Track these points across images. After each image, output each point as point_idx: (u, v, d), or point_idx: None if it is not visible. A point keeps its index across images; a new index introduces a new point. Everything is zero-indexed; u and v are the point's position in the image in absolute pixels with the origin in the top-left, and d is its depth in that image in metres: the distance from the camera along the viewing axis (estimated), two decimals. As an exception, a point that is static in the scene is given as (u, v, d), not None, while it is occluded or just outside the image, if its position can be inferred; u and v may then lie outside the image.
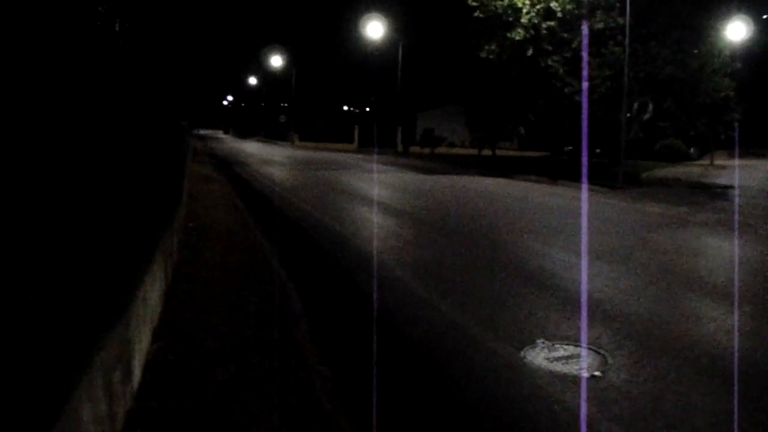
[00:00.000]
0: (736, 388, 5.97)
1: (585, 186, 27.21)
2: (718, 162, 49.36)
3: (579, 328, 7.81)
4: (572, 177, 31.32)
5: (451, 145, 71.55)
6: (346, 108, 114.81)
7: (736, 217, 18.95)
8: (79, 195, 5.71)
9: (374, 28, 60.69)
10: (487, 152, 52.79)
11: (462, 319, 8.10)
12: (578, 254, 12.36)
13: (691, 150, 54.36)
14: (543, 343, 7.22)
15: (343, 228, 15.05)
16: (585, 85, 30.99)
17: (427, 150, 61.64)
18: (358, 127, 77.12)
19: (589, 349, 7.08)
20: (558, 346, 7.15)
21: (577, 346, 7.17)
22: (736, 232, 15.99)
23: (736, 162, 47.38)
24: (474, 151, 58.98)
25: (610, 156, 37.49)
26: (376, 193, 22.92)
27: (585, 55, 31.74)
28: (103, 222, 6.20)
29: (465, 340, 7.38)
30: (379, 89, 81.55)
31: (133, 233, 6.88)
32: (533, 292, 9.51)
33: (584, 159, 32.52)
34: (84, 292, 4.70)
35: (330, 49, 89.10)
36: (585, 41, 31.92)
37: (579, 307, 8.70)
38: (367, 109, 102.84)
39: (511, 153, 57.98)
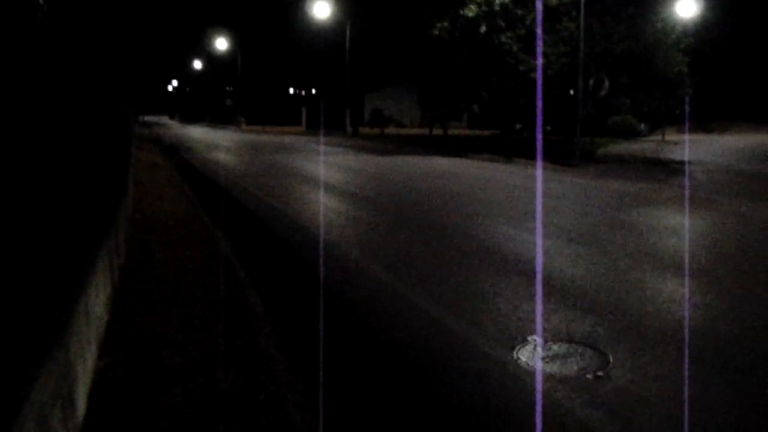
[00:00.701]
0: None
1: (540, 164, 26.69)
2: (669, 138, 49.53)
3: (567, 321, 7.20)
4: (527, 155, 30.98)
5: (401, 125, 70.94)
6: (292, 91, 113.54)
7: (700, 193, 18.60)
8: (10, 191, 4.96)
9: (321, 8, 59.69)
10: (438, 132, 52.27)
11: (441, 314, 7.43)
12: (549, 237, 11.76)
13: (642, 126, 54.59)
14: (535, 340, 6.58)
15: (297, 215, 14.30)
16: (539, 61, 30.56)
17: (376, 130, 60.94)
18: (305, 110, 76.18)
19: (586, 345, 6.45)
20: (551, 344, 6.51)
21: (572, 343, 6.54)
22: (704, 209, 15.60)
23: (687, 137, 47.54)
24: (424, 131, 58.47)
25: (563, 133, 37.26)
26: (329, 176, 22.18)
27: (539, 31, 31.33)
28: (38, 221, 5.45)
29: (449, 339, 6.71)
30: (326, 70, 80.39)
31: (72, 232, 6.11)
32: (508, 281, 8.87)
33: (539, 136, 32.13)
34: (15, 308, 3.96)
35: (276, 31, 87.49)
36: (539, 17, 31.43)
37: (563, 298, 8.09)
38: (314, 91, 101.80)
39: (462, 132, 57.54)
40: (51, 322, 4.18)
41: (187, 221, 12.69)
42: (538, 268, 9.52)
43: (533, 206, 15.84)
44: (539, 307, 7.68)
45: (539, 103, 31.26)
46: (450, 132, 51.67)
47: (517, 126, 46.76)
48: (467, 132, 58.99)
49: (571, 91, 33.56)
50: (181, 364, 5.61)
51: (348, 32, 57.73)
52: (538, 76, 31.25)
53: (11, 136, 5.17)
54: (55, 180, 6.43)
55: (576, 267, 9.63)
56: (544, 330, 6.94)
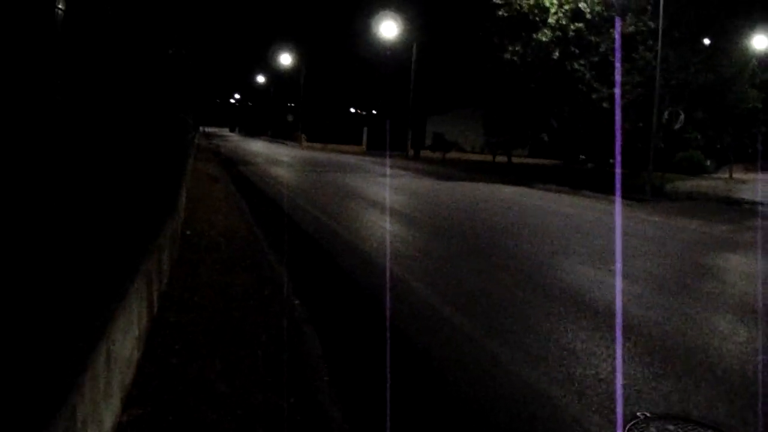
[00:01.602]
0: None
1: (618, 199, 25.34)
2: (736, 176, 47.57)
3: (677, 391, 6.04)
4: (594, 188, 29.68)
5: (462, 150, 69.75)
6: (353, 110, 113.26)
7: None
8: (52, 203, 4.16)
9: (388, 28, 59.00)
10: (501, 159, 51.03)
11: (530, 374, 6.31)
12: (635, 282, 10.56)
13: (708, 163, 52.72)
14: (647, 416, 5.43)
15: (359, 240, 13.23)
16: (618, 91, 29.26)
17: (438, 154, 59.85)
18: (366, 129, 75.42)
19: (708, 427, 5.30)
20: (666, 424, 5.36)
21: (690, 422, 5.39)
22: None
23: (759, 176, 45.60)
24: (486, 157, 57.32)
25: (628, 166, 35.81)
26: (392, 200, 21.16)
27: (618, 55, 30.00)
28: (71, 240, 4.51)
29: (549, 410, 5.59)
30: (389, 91, 79.70)
31: (108, 254, 5.16)
32: (601, 336, 7.69)
33: (618, 170, 30.70)
34: (16, 357, 3.02)
35: (340, 49, 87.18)
36: (618, 43, 30.15)
37: (666, 360, 6.91)
38: (374, 111, 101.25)
39: (524, 161, 56.15)
40: (58, 378, 3.21)
41: (241, 241, 11.75)
42: (634, 322, 8.34)
43: (611, 244, 14.62)
44: (643, 372, 6.52)
45: (618, 134, 29.93)
46: (512, 160, 50.42)
47: (581, 157, 45.40)
48: (529, 160, 57.58)
49: (640, 124, 32.23)
50: (220, 423, 4.60)
51: (414, 53, 56.85)
52: (617, 105, 30.00)
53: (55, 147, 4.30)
54: (98, 193, 5.55)
55: (674, 322, 8.41)
56: (653, 403, 5.79)
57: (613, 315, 8.54)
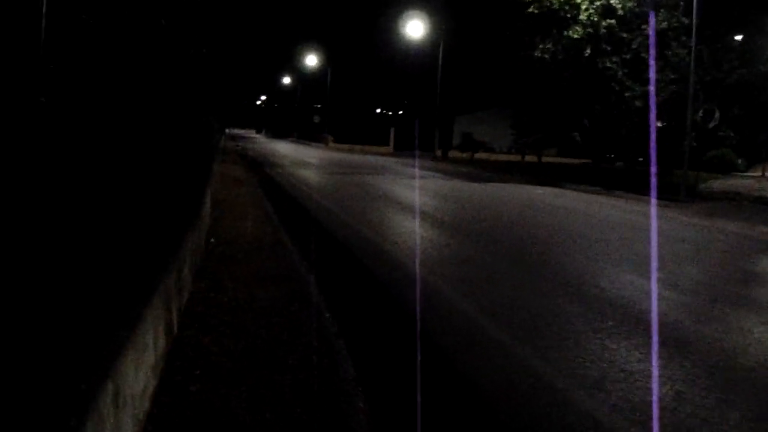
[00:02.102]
0: None
1: (654, 200, 24.60)
2: (769, 174, 46.47)
3: (755, 422, 5.45)
4: (627, 188, 28.96)
5: (490, 150, 68.97)
6: (379, 110, 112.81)
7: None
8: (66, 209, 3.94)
9: (414, 27, 58.41)
10: (531, 159, 50.30)
11: (582, 399, 5.74)
12: (686, 293, 9.92)
13: (739, 161, 51.61)
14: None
15: (390, 246, 12.69)
16: (653, 89, 28.52)
17: (466, 154, 59.16)
18: (393, 130, 74.87)
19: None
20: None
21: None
22: None
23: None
24: (515, 157, 56.59)
25: (659, 165, 35.04)
26: (422, 202, 20.61)
27: (652, 51, 29.25)
28: (91, 250, 4.08)
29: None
30: (416, 91, 79.13)
31: (125, 268, 4.71)
32: (660, 356, 7.09)
33: (653, 169, 29.96)
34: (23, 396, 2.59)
35: (367, 49, 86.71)
36: (652, 38, 29.42)
37: (735, 386, 6.32)
38: (400, 112, 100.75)
39: (553, 160, 55.26)
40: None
41: (267, 249, 11.26)
42: (690, 338, 7.72)
43: (652, 249, 13.98)
44: (706, 398, 5.93)
45: (652, 133, 29.22)
46: (541, 159, 49.65)
47: (608, 156, 44.61)
48: (558, 160, 56.64)
49: (673, 122, 31.47)
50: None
51: (441, 52, 56.18)
52: (651, 103, 29.26)
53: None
54: (118, 201, 5.09)
55: (732, 338, 7.80)
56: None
57: (666, 330, 7.91)
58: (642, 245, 14.33)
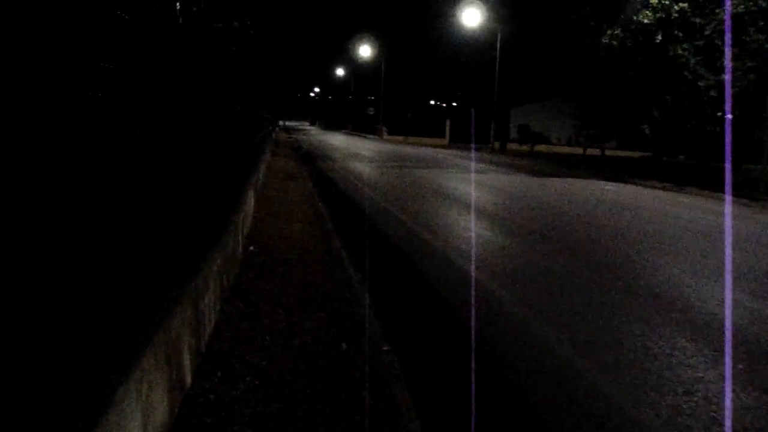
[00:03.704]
0: None
1: (729, 198, 22.60)
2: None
3: None
4: (699, 184, 27.09)
5: (548, 142, 66.95)
6: (433, 102, 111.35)
7: None
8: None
9: (471, 16, 56.53)
10: (593, 152, 48.25)
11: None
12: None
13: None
14: None
15: (452, 252, 11.08)
16: (728, 77, 26.41)
17: (525, 147, 57.28)
18: (449, 122, 73.22)
19: None
20: None
21: None
22: None
23: None
24: (575, 150, 54.64)
25: (724, 159, 32.98)
26: (483, 200, 18.97)
27: (728, 37, 27.16)
28: (87, 275, 2.78)
29: None
30: (472, 82, 77.38)
31: (118, 308, 3.35)
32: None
33: (728, 165, 27.89)
34: None
35: (421, 40, 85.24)
36: (728, 23, 27.30)
37: None
38: (454, 104, 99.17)
39: (614, 153, 53.04)
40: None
41: (316, 257, 9.74)
42: None
43: (749, 259, 12.19)
44: None
45: (728, 126, 27.17)
46: (595, 153, 47.58)
47: (669, 149, 42.52)
48: (618, 153, 54.42)
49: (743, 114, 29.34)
50: None
51: (498, 42, 54.23)
52: (727, 93, 27.22)
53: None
54: (136, 204, 3.77)
55: None
56: None
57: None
58: (739, 254, 12.54)
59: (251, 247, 9.89)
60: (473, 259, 10.69)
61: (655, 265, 10.98)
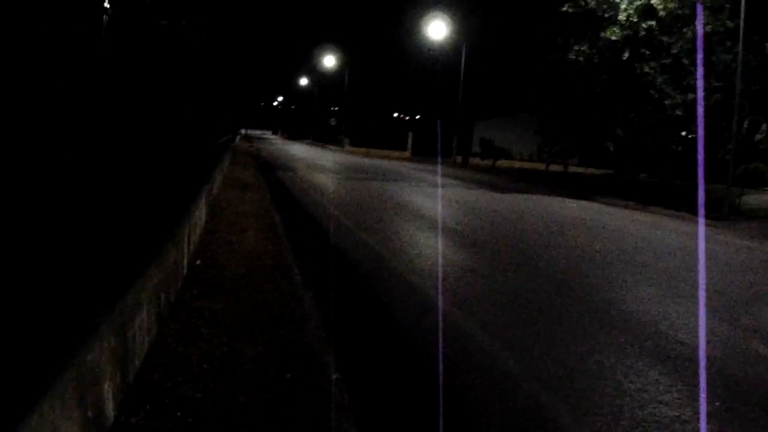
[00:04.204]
0: None
1: (702, 220, 22.35)
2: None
3: None
4: (665, 203, 27.05)
5: (509, 157, 66.83)
6: (396, 114, 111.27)
7: None
8: None
9: (436, 29, 56.31)
10: (555, 168, 48.11)
11: None
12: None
13: (769, 175, 49.35)
14: None
15: (420, 279, 10.52)
16: (700, 95, 26.30)
17: (487, 162, 57.06)
18: (411, 134, 72.95)
19: None
20: None
21: None
22: None
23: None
24: (537, 165, 54.59)
25: (690, 179, 33.02)
26: (447, 217, 18.51)
27: (700, 56, 27.07)
28: None
29: None
30: (435, 95, 77.13)
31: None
32: None
33: (701, 185, 27.70)
34: None
35: (386, 51, 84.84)
36: (700, 41, 27.23)
37: None
38: (417, 116, 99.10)
39: (576, 170, 52.94)
40: None
41: (267, 276, 9.17)
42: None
43: (721, 282, 11.82)
44: None
45: (700, 145, 26.98)
46: (557, 169, 47.44)
47: (629, 167, 42.53)
48: (580, 170, 54.29)
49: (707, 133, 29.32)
50: None
51: (463, 56, 53.98)
52: (699, 112, 27.11)
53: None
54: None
55: None
56: None
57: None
58: (713, 276, 12.21)
59: (198, 261, 9.31)
60: (437, 283, 10.18)
61: (626, 288, 10.59)
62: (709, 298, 10.26)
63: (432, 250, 12.85)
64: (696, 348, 7.49)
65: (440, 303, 8.69)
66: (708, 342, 7.84)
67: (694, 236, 18.64)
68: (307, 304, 7.93)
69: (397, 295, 9.29)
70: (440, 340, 6.97)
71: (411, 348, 7.06)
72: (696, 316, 9.03)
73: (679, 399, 5.96)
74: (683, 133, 31.89)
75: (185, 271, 8.41)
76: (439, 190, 27.57)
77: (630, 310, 9.10)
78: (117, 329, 4.44)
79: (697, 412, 5.69)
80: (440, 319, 7.86)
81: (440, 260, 11.76)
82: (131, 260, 5.54)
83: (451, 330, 7.57)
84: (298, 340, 6.44)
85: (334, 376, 5.82)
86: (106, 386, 4.16)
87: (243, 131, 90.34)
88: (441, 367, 6.16)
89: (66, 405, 3.38)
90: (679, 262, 13.71)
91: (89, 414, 3.80)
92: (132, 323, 4.93)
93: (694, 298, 10.14)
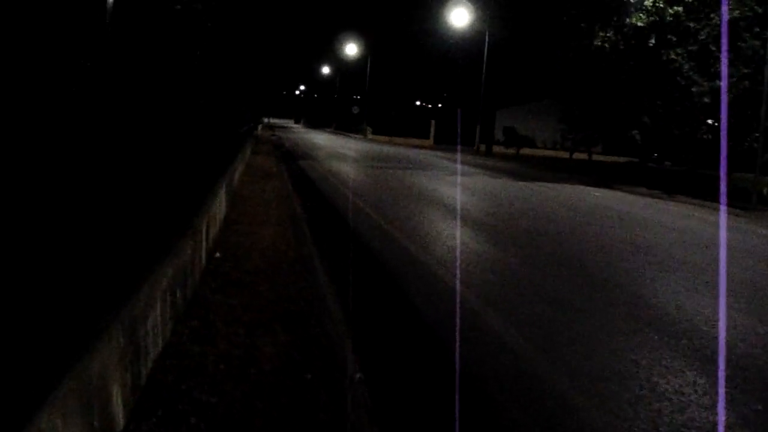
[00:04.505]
0: None
1: (724, 208, 21.89)
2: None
3: None
4: (690, 192, 26.63)
5: (533, 145, 66.20)
6: (418, 103, 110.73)
7: None
8: None
9: (459, 16, 55.73)
10: (579, 156, 47.53)
11: None
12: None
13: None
14: None
15: (444, 271, 10.22)
16: (724, 83, 25.73)
17: (511, 150, 56.52)
18: (434, 123, 72.49)
19: None
20: None
21: None
22: None
23: None
24: (561, 153, 54.03)
25: (715, 167, 32.43)
26: (471, 206, 18.20)
27: (725, 41, 26.48)
28: None
29: None
30: (457, 83, 76.62)
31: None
32: None
33: (723, 173, 27.24)
34: None
35: (408, 39, 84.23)
36: (725, 27, 26.63)
37: None
38: (439, 105, 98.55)
39: (600, 158, 52.28)
40: None
41: (288, 267, 8.92)
42: None
43: (755, 276, 11.49)
44: None
45: (723, 132, 26.50)
46: (581, 157, 46.85)
47: (654, 155, 41.91)
48: (603, 158, 53.56)
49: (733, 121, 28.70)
50: None
51: (486, 43, 53.43)
52: (723, 100, 26.55)
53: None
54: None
55: None
56: None
57: None
58: (739, 271, 11.81)
59: (217, 254, 9.06)
60: (459, 274, 9.88)
61: (655, 282, 10.22)
62: (741, 294, 9.90)
63: (459, 243, 12.51)
64: (734, 347, 7.16)
65: (472, 298, 8.41)
66: (744, 340, 7.50)
67: (724, 227, 18.23)
68: (329, 300, 7.67)
69: (418, 285, 9.02)
70: (473, 345, 6.68)
71: (438, 351, 6.73)
72: (733, 312, 8.68)
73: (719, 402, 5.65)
74: (710, 121, 31.28)
75: (204, 263, 8.16)
76: (464, 179, 27.19)
77: (662, 305, 8.77)
78: (127, 329, 4.19)
79: (743, 414, 5.38)
80: (470, 320, 7.57)
81: (468, 255, 11.45)
82: (146, 255, 5.30)
83: (473, 322, 7.29)
84: (320, 338, 6.18)
85: (357, 375, 5.56)
86: (114, 391, 3.91)
87: (265, 120, 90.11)
88: (462, 372, 5.87)
89: (68, 416, 3.13)
90: (705, 252, 13.34)
91: (96, 423, 3.55)
92: (144, 322, 4.68)
93: (730, 293, 9.79)
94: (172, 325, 5.75)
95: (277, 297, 7.34)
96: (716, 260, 12.55)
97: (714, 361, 6.63)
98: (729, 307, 8.86)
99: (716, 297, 9.40)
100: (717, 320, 8.14)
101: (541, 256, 11.71)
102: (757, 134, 27.00)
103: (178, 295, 6.06)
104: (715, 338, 7.39)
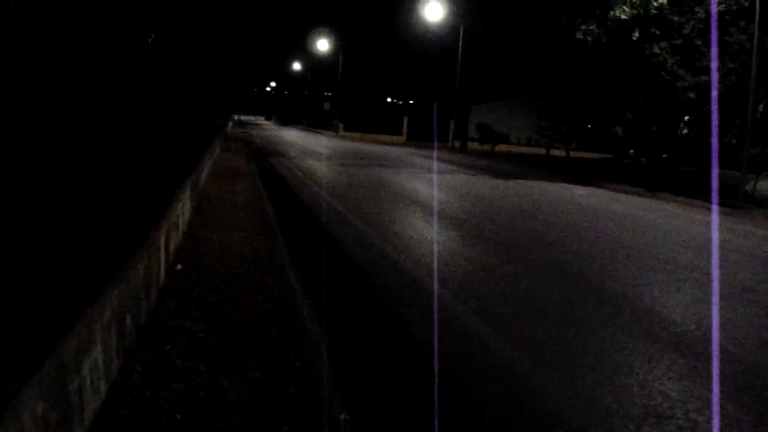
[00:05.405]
0: None
1: (716, 207, 21.21)
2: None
3: None
4: (673, 189, 26.01)
5: (508, 142, 65.47)
6: (389, 99, 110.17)
7: None
8: None
9: (433, 10, 54.91)
10: (556, 153, 46.85)
11: None
12: None
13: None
14: None
15: (422, 274, 9.35)
16: (714, 77, 25.04)
17: (486, 146, 55.67)
18: (407, 119, 71.66)
19: None
20: None
21: None
22: None
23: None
24: (537, 150, 53.39)
25: (696, 164, 31.86)
26: (448, 204, 17.35)
27: (714, 35, 25.78)
28: None
29: None
30: (430, 79, 75.83)
31: None
32: None
33: (714, 171, 26.61)
34: None
35: (380, 35, 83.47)
36: (714, 20, 25.93)
37: None
38: (411, 101, 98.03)
39: (575, 154, 51.63)
40: None
41: (259, 281, 7.95)
42: None
43: (754, 277, 10.74)
44: None
45: (714, 128, 25.89)
46: (557, 153, 46.16)
47: (630, 151, 41.28)
48: (579, 154, 52.97)
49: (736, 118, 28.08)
50: None
51: (461, 38, 52.58)
52: (713, 95, 25.87)
53: None
54: None
55: None
56: None
57: None
58: (748, 274, 11.02)
59: (179, 266, 8.07)
60: (448, 282, 8.98)
61: (648, 284, 9.42)
62: (740, 296, 9.09)
63: (439, 246, 11.60)
64: (736, 355, 6.30)
65: (458, 306, 7.50)
66: (745, 348, 6.64)
67: (715, 227, 17.51)
68: (306, 320, 6.70)
69: (401, 293, 8.15)
70: (462, 357, 5.76)
71: (415, 355, 5.81)
72: (734, 313, 7.84)
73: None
74: (686, 118, 30.70)
75: (162, 279, 7.17)
76: (441, 177, 26.33)
77: (656, 311, 7.90)
78: (50, 388, 3.22)
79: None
80: (458, 331, 6.66)
81: (448, 256, 10.56)
82: (87, 279, 4.34)
83: (459, 333, 6.40)
84: (299, 372, 5.22)
85: (342, 416, 4.64)
86: None
87: (236, 117, 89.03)
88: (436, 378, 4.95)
89: None
90: (694, 252, 12.60)
91: None
92: (78, 370, 3.70)
93: (729, 296, 8.99)
94: (120, 361, 4.78)
95: (246, 319, 6.37)
96: (707, 260, 11.78)
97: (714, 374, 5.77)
98: (732, 310, 8.01)
99: (710, 299, 8.56)
100: (713, 324, 7.28)
101: (521, 256, 10.82)
102: (737, 130, 26.41)
103: (128, 322, 5.09)
104: (715, 345, 6.52)
